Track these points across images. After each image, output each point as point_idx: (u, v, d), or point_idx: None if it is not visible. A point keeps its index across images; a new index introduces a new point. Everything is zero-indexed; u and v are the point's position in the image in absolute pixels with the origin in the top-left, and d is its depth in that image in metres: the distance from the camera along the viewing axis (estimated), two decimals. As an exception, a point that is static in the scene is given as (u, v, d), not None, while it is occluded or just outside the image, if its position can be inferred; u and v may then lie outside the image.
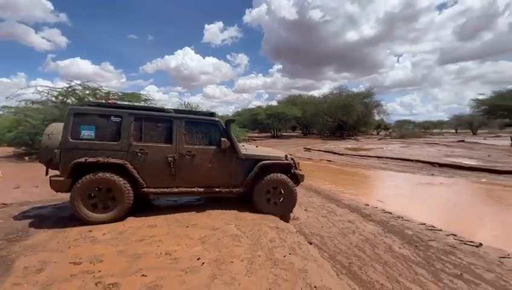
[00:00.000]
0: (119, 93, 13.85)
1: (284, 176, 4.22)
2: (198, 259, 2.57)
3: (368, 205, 5.81)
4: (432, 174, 10.08)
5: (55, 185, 3.47)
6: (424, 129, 51.43)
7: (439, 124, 62.99)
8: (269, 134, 39.17)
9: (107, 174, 3.48)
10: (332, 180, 9.29)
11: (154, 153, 3.74)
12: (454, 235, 4.11)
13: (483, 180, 9.16)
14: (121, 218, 3.56)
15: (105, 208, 3.54)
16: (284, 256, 2.78)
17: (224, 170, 4.06)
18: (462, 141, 28.09)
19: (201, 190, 4.01)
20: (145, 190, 3.72)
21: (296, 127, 52.78)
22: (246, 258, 2.64)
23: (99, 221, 3.46)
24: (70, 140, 3.47)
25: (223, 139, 3.95)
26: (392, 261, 3.03)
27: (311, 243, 3.30)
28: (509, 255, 3.44)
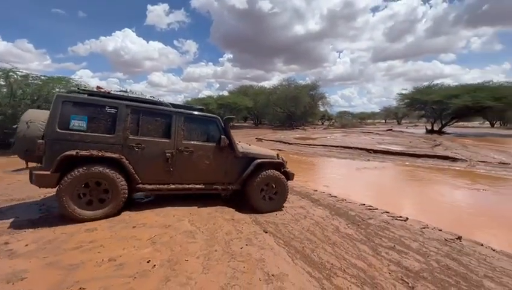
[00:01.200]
0: (42, 77, 11.72)
1: (278, 173, 4.35)
2: (148, 262, 2.36)
3: (316, 190, 6.22)
4: (368, 160, 11.38)
5: (39, 180, 3.09)
6: (361, 119, 57.63)
7: (372, 115, 71.46)
8: (221, 124, 38.63)
9: (101, 169, 3.23)
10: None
11: (151, 148, 3.58)
12: (388, 212, 4.71)
13: (407, 163, 10.74)
14: (113, 215, 3.35)
15: (97, 205, 3.30)
16: (241, 248, 2.76)
17: (220, 167, 4.06)
18: (390, 130, 32.43)
19: (197, 186, 3.95)
20: (140, 186, 3.54)
21: (247, 118, 53.29)
22: (202, 255, 2.53)
23: (91, 218, 3.22)
24: (58, 130, 3.14)
25: (222, 137, 3.96)
26: (339, 241, 3.29)
27: (266, 232, 3.36)
28: (427, 225, 4.10)
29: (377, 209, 4.92)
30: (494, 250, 3.36)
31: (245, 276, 2.25)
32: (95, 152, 3.23)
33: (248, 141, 20.57)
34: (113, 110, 3.41)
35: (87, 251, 2.52)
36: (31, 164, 3.48)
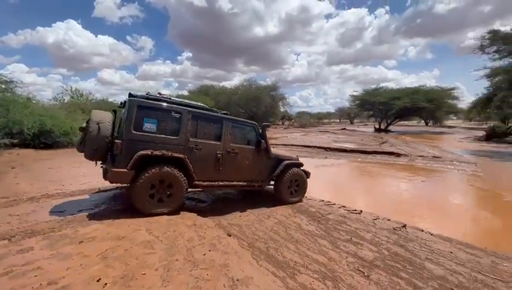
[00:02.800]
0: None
1: (301, 171, 5.12)
2: (98, 280, 2.11)
3: (279, 189, 6.36)
4: (326, 157, 12.05)
5: (115, 176, 3.38)
6: (318, 119, 61.05)
7: (328, 115, 76.23)
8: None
9: (170, 168, 3.60)
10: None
11: (206, 149, 4.01)
12: (344, 206, 5.02)
13: (359, 159, 11.65)
14: (176, 209, 3.75)
15: (164, 201, 3.64)
16: (204, 254, 2.65)
17: (257, 167, 4.62)
18: (344, 129, 34.91)
19: (240, 183, 4.47)
20: (196, 182, 3.94)
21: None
22: (162, 266, 2.36)
23: (159, 213, 3.57)
24: (133, 132, 3.44)
25: (262, 141, 4.58)
26: (301, 238, 3.39)
27: (230, 235, 3.29)
28: (378, 216, 4.48)
29: (334, 204, 5.21)
30: (432, 234, 3.81)
31: (209, 284, 2.16)
32: (165, 152, 3.59)
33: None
34: (177, 115, 3.80)
35: (20, 275, 2.15)
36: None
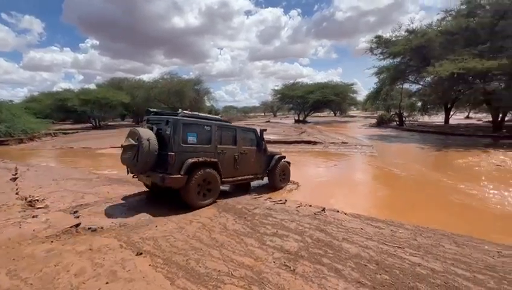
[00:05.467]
0: None
1: (286, 163, 6.13)
2: None
3: (204, 188, 5.94)
4: (252, 150, 12.22)
5: (173, 182, 4.02)
6: (244, 113, 62.45)
7: (254, 109, 79.08)
8: (89, 125, 31.61)
9: (211, 170, 4.44)
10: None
11: (228, 153, 4.91)
12: (270, 198, 5.03)
13: (282, 149, 12.28)
14: (213, 202, 4.52)
15: (206, 195, 4.43)
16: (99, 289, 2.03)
17: (258, 163, 5.57)
18: (268, 121, 36.77)
19: (249, 177, 5.40)
20: (223, 179, 4.72)
21: (125, 115, 46.35)
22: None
23: (204, 206, 4.33)
24: (182, 145, 4.20)
25: (263, 142, 5.60)
26: (227, 241, 3.11)
27: (141, 254, 2.72)
28: (301, 204, 4.64)
29: (261, 197, 5.17)
30: (345, 214, 4.17)
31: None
32: (207, 159, 4.41)
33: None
34: (208, 128, 4.60)
35: None
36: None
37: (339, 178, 7.38)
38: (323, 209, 4.30)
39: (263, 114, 75.79)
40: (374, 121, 28.47)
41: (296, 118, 38.56)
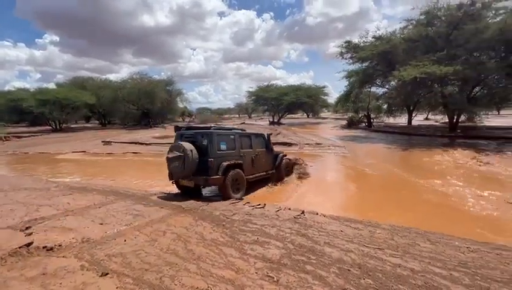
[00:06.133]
0: None
1: (288, 159, 7.50)
2: None
3: (178, 193, 5.61)
4: (228, 153, 11.98)
5: (215, 181, 5.14)
6: (219, 115, 61.64)
7: (229, 110, 78.49)
8: (49, 128, 28.90)
9: (238, 170, 5.55)
10: (142, 175, 8.29)
11: (247, 155, 6.02)
12: (249, 203, 4.88)
13: (259, 151, 12.20)
14: (243, 196, 5.56)
15: (236, 190, 5.48)
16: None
17: (268, 161, 6.73)
18: (243, 123, 36.63)
19: (262, 173, 6.48)
20: (246, 177, 5.78)
21: (90, 117, 43.31)
22: None
23: (238, 198, 5.25)
24: (217, 152, 5.24)
25: (271, 145, 6.96)
26: (204, 252, 2.90)
27: (106, 274, 2.41)
28: (280, 207, 4.56)
29: (239, 201, 5.00)
30: (325, 216, 4.16)
31: None
32: (236, 161, 5.61)
33: (94, 145, 16.61)
34: (232, 137, 5.79)
35: None
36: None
37: (315, 179, 7.46)
38: (303, 212, 4.25)
39: (238, 116, 75.48)
40: (344, 122, 29.67)
41: (271, 119, 38.93)
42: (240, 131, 6.25)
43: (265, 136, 6.93)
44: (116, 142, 16.60)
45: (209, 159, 5.04)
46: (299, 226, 3.69)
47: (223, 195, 5.29)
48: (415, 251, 2.98)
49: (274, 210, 4.41)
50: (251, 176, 6.02)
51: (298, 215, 4.15)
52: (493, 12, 14.71)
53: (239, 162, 5.62)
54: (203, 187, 5.45)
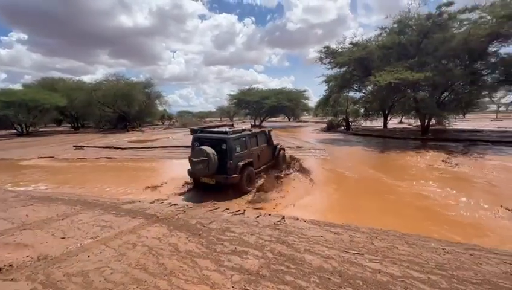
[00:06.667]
0: None
1: (284, 151, 8.66)
2: None
3: (154, 202, 5.31)
4: (208, 157, 11.69)
5: (234, 180, 5.74)
6: (200, 118, 60.62)
7: (210, 114, 77.48)
8: (14, 131, 26.78)
9: (251, 167, 6.36)
10: (115, 181, 7.80)
11: (254, 152, 6.76)
12: (228, 209, 4.71)
13: (240, 155, 12.03)
14: (253, 187, 6.32)
15: (250, 183, 6.28)
16: None
17: (269, 154, 7.76)
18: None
19: (265, 165, 7.40)
20: (255, 170, 6.63)
21: (62, 121, 40.82)
22: None
23: (250, 190, 6.12)
24: (235, 154, 5.91)
25: (271, 140, 7.98)
26: (178, 266, 2.69)
27: (62, 298, 2.13)
28: (260, 213, 4.43)
29: (218, 208, 4.81)
30: (305, 221, 4.08)
31: None
32: (249, 160, 6.34)
33: (64, 151, 15.52)
34: (244, 139, 6.43)
35: None
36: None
37: (296, 183, 7.42)
38: (283, 218, 4.15)
39: (219, 119, 74.77)
40: (324, 125, 30.34)
41: (253, 123, 38.92)
42: (249, 132, 6.96)
43: (267, 132, 7.96)
44: (89, 147, 15.66)
45: (229, 162, 5.79)
46: (279, 232, 3.57)
47: (239, 190, 5.96)
48: (394, 254, 2.96)
49: (254, 216, 4.27)
50: (258, 169, 6.99)
51: (278, 221, 4.04)
52: (458, 23, 15.77)
53: (250, 160, 6.39)
54: (223, 185, 5.89)
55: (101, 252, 3.01)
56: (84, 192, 6.54)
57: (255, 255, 2.92)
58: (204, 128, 7.05)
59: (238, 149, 6.06)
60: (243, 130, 6.87)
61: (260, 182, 6.66)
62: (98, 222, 4.03)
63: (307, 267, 2.67)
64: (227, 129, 6.58)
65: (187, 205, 4.99)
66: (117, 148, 14.97)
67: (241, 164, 5.93)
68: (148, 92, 35.95)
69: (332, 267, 2.67)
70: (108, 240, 3.35)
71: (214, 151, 5.71)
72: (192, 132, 6.63)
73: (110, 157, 12.08)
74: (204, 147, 5.81)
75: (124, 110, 32.94)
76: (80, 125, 36.95)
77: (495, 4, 14.12)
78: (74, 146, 16.04)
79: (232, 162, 5.79)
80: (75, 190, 6.76)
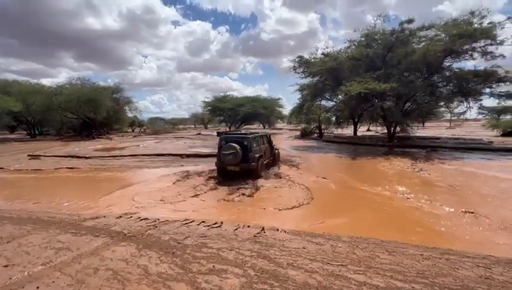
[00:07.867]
0: None
1: (279, 151, 11.58)
2: None
3: (121, 216, 4.83)
4: (182, 165, 11.19)
5: (254, 167, 7.95)
6: (173, 125, 58.77)
7: (183, 121, 75.50)
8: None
9: (263, 158, 8.65)
10: (77, 194, 7.05)
11: (263, 148, 9.02)
12: (204, 222, 4.41)
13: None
14: (264, 173, 8.63)
15: (261, 169, 8.42)
16: None
17: (270, 151, 10.02)
18: (199, 134, 35.52)
19: (268, 160, 9.64)
20: (265, 162, 9.06)
21: (16, 127, 37.06)
22: None
23: (261, 176, 8.17)
24: (253, 148, 8.11)
25: (272, 141, 10.47)
26: (147, 292, 2.37)
27: None
28: (239, 225, 4.21)
29: (193, 221, 4.49)
30: (286, 232, 3.94)
31: None
32: (262, 153, 8.76)
33: (17, 161, 13.95)
34: (257, 138, 8.73)
35: None
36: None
37: (274, 191, 7.32)
38: (263, 229, 3.98)
39: (193, 126, 73.18)
40: (298, 133, 31.01)
41: (228, 130, 38.59)
42: (259, 134, 9.41)
43: (268, 135, 10.35)
44: (47, 156, 14.20)
45: (250, 154, 7.97)
46: (259, 246, 3.38)
47: (254, 175, 7.99)
48: (377, 264, 2.93)
49: (232, 229, 4.04)
50: (265, 161, 9.05)
51: (258, 233, 3.86)
52: (417, 39, 17.21)
53: (261, 154, 8.66)
54: (246, 171, 7.95)
55: (53, 282, 2.57)
56: (38, 208, 5.80)
57: (235, 274, 2.70)
58: (226, 132, 10.21)
59: (255, 145, 8.36)
60: (255, 132, 9.56)
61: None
62: (53, 243, 3.51)
63: (292, 283, 2.51)
64: (246, 131, 9.65)
65: (159, 219, 4.60)
66: (81, 157, 13.78)
67: (257, 155, 8.20)
68: (116, 98, 34.10)
69: (317, 282, 2.54)
70: (64, 265, 2.89)
71: (239, 147, 7.94)
72: (219, 134, 9.38)
73: (72, 168, 11.02)
74: (233, 144, 8.10)
75: (89, 116, 30.79)
76: (37, 132, 33.76)
77: (448, 24, 15.65)
78: (29, 155, 14.45)
79: (251, 154, 8.05)
80: (26, 206, 5.97)
